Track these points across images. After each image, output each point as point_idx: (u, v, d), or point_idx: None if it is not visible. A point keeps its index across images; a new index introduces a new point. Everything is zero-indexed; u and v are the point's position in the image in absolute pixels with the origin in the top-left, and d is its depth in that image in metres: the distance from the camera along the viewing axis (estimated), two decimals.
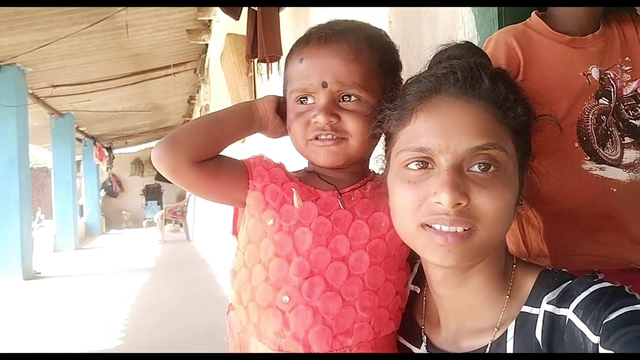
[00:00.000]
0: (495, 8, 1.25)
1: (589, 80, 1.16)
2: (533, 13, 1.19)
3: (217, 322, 5.12)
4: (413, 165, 0.81)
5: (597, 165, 1.15)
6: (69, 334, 4.98)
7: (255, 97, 3.86)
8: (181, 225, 13.37)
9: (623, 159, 1.17)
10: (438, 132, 0.78)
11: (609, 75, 1.18)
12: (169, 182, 1.01)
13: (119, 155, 17.35)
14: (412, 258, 1.01)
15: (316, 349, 0.90)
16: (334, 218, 0.94)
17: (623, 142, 1.18)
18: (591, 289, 0.74)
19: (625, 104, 1.20)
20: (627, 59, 1.21)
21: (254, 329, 0.94)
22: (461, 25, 1.36)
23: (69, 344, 4.69)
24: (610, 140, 1.17)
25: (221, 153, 1.01)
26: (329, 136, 0.94)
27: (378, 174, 1.03)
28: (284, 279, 0.91)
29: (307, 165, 1.06)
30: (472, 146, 0.76)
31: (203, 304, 5.99)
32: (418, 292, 1.00)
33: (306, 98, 0.96)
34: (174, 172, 0.95)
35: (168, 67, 8.44)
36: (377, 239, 0.94)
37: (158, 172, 0.99)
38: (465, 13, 1.34)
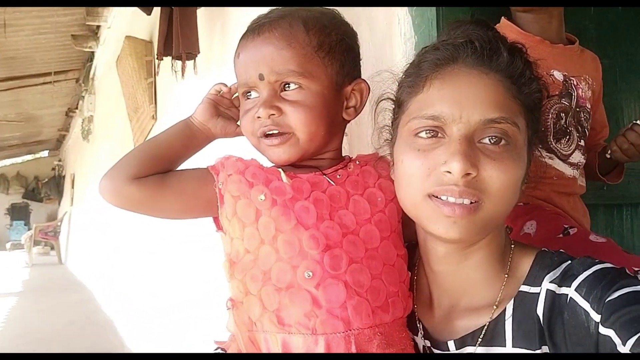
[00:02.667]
0: (434, 9, 1.31)
1: (553, 79, 1.29)
2: (502, 18, 1.31)
3: (96, 346, 4.74)
4: (423, 134, 0.79)
5: (547, 154, 1.27)
6: None
7: (155, 102, 3.69)
8: (52, 248, 12.30)
9: (570, 158, 1.31)
10: (452, 101, 0.78)
11: (572, 82, 1.32)
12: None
13: None
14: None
15: (357, 324, 0.83)
16: (329, 194, 0.90)
17: (579, 143, 1.33)
18: (593, 269, 0.75)
19: (584, 114, 1.35)
20: (593, 84, 1.38)
21: (273, 318, 0.85)
22: (397, 26, 1.41)
23: None
24: (568, 137, 1.30)
25: None
26: (274, 131, 0.91)
27: (353, 157, 1.01)
28: (299, 255, 0.85)
29: None
30: (485, 118, 0.76)
31: (81, 328, 5.51)
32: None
33: (250, 93, 0.94)
34: (116, 194, 0.92)
35: (48, 74, 7.79)
36: (379, 212, 0.92)
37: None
38: (402, 14, 1.39)
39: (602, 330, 0.69)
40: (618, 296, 0.70)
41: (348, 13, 1.53)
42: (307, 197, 0.89)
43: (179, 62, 2.41)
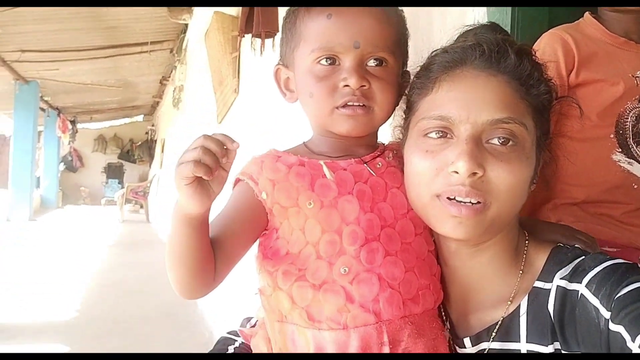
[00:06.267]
0: (510, 10, 1.30)
1: (637, 82, 1.24)
2: (586, 14, 1.28)
3: (177, 301, 5.07)
4: (433, 134, 0.81)
5: (627, 159, 1.23)
6: (22, 303, 4.86)
7: (238, 76, 3.84)
8: (141, 206, 13.12)
9: None
10: (460, 102, 0.79)
11: None
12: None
13: (83, 129, 16.82)
14: None
15: (388, 315, 0.83)
16: (370, 185, 0.89)
17: None
18: (604, 265, 0.75)
19: None
20: None
21: (303, 314, 0.84)
22: (472, 13, 1.41)
23: (23, 313, 4.57)
24: None
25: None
26: (359, 103, 0.88)
27: (389, 144, 1.00)
28: (337, 253, 0.84)
29: (313, 140, 0.98)
30: (493, 118, 0.78)
31: (164, 283, 5.87)
32: None
33: (331, 59, 0.88)
34: (211, 289, 0.88)
35: (144, 43, 8.25)
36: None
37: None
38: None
39: (612, 326, 0.69)
40: (627, 292, 0.70)
41: None
42: (351, 190, 0.87)
43: (259, 40, 2.50)
